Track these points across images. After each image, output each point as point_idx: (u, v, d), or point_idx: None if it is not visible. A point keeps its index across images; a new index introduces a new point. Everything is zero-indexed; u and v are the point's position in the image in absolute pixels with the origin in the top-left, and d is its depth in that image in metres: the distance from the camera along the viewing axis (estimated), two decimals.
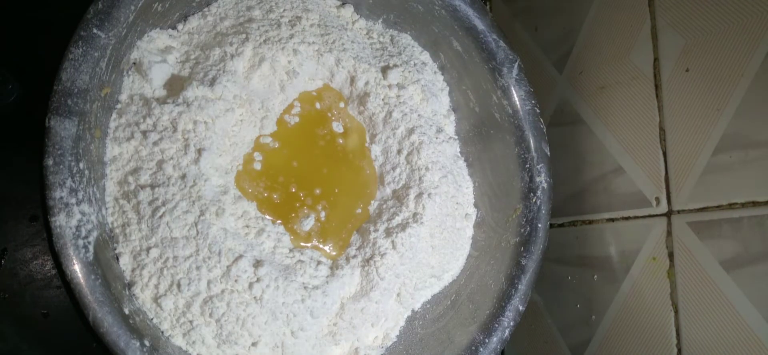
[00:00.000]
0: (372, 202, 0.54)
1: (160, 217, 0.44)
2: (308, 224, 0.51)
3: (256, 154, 0.50)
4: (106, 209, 0.44)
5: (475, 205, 0.57)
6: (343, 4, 0.55)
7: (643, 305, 0.53)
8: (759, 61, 0.44)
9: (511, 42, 0.54)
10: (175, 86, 0.47)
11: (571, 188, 0.61)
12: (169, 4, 0.47)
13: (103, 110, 0.45)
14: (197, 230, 0.45)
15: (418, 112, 0.55)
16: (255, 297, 0.46)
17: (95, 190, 0.43)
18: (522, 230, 0.54)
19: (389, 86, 0.54)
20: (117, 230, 0.44)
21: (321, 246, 0.51)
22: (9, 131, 0.53)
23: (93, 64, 0.41)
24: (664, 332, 0.51)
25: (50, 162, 0.39)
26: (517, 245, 0.54)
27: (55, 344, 0.53)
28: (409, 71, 0.55)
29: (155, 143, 0.45)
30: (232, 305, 0.45)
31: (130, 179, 0.45)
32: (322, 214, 0.52)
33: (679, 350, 0.50)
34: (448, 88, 0.58)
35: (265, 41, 0.50)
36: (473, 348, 0.51)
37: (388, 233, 0.52)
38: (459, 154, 0.57)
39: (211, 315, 0.44)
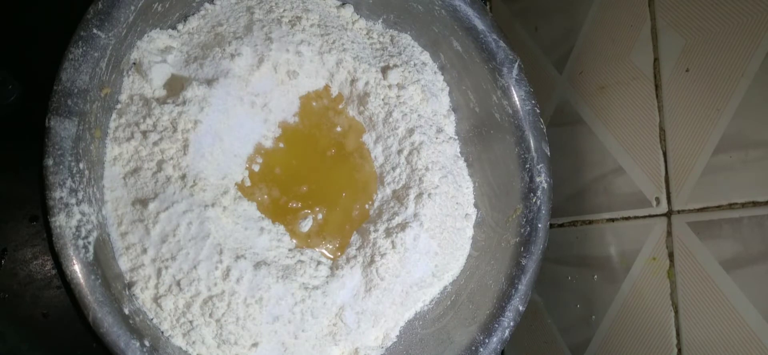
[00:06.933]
0: (372, 202, 0.54)
1: (160, 217, 0.44)
2: (307, 224, 0.51)
3: (256, 155, 0.50)
4: (106, 209, 0.44)
5: (475, 205, 0.57)
6: (343, 4, 0.55)
7: (643, 305, 0.53)
8: (759, 61, 0.44)
9: (511, 42, 0.54)
10: (175, 86, 0.47)
11: (571, 188, 0.61)
12: (169, 4, 0.47)
13: (103, 110, 0.45)
14: (197, 230, 0.45)
15: (418, 113, 0.55)
16: (255, 297, 0.46)
17: (95, 190, 0.43)
18: (522, 230, 0.54)
19: (389, 86, 0.54)
20: (117, 231, 0.44)
21: (321, 246, 0.51)
22: (9, 131, 0.53)
23: (93, 64, 0.41)
24: (664, 332, 0.51)
25: (50, 162, 0.39)
26: (517, 245, 0.54)
27: (55, 344, 0.53)
28: (409, 71, 0.55)
29: (155, 143, 0.45)
30: (232, 305, 0.45)
31: (130, 179, 0.45)
32: (322, 214, 0.52)
33: (679, 350, 0.50)
34: (448, 89, 0.58)
35: (265, 41, 0.50)
36: (473, 348, 0.51)
37: (388, 233, 0.52)
38: (459, 154, 0.57)
39: (211, 315, 0.44)
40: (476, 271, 0.56)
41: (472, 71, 0.55)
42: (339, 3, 0.55)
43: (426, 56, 0.57)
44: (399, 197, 0.54)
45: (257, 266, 0.46)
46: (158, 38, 0.48)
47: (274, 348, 0.47)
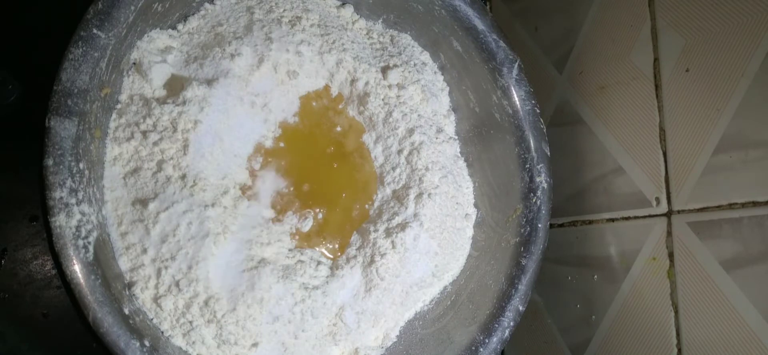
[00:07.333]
0: (372, 202, 0.54)
1: (160, 217, 0.44)
2: (307, 224, 0.51)
3: (256, 155, 0.50)
4: (106, 209, 0.44)
5: (475, 205, 0.57)
6: (343, 4, 0.55)
7: (643, 305, 0.53)
8: (759, 61, 0.44)
9: (511, 42, 0.54)
10: (175, 86, 0.47)
11: (571, 188, 0.61)
12: (169, 4, 0.47)
13: (103, 110, 0.45)
14: (197, 230, 0.45)
15: (418, 113, 0.55)
16: (255, 298, 0.46)
17: (95, 190, 0.43)
18: (522, 230, 0.54)
19: (389, 86, 0.54)
20: (117, 231, 0.44)
21: (321, 246, 0.51)
22: (9, 131, 0.53)
23: (93, 64, 0.41)
24: (664, 332, 0.51)
25: (50, 162, 0.39)
26: (517, 245, 0.54)
27: (55, 344, 0.53)
28: (409, 71, 0.55)
29: (155, 143, 0.45)
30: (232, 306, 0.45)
31: (130, 179, 0.45)
32: (322, 214, 0.52)
33: (679, 350, 0.50)
34: (448, 89, 0.58)
35: (265, 41, 0.50)
36: (473, 348, 0.51)
37: (388, 233, 0.52)
38: (459, 154, 0.57)
39: (211, 316, 0.44)
40: (476, 271, 0.56)
41: (472, 71, 0.55)
42: (339, 3, 0.55)
43: (426, 56, 0.57)
44: (399, 197, 0.54)
45: (257, 265, 0.46)
46: (158, 38, 0.48)
47: (274, 348, 0.47)
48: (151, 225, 0.44)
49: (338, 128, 0.54)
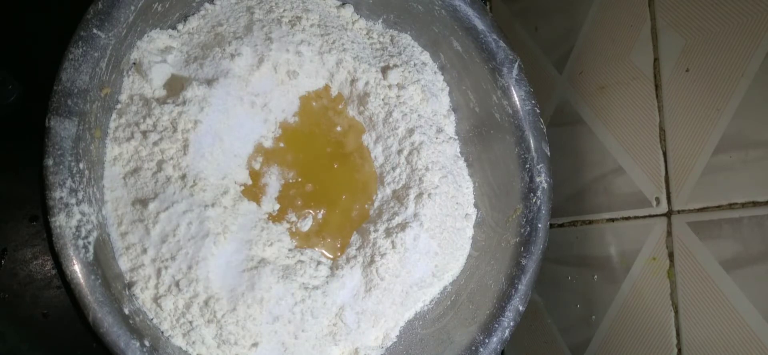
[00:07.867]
0: (372, 202, 0.54)
1: (160, 217, 0.44)
2: (307, 224, 0.51)
3: (256, 155, 0.50)
4: (106, 209, 0.44)
5: (475, 205, 0.57)
6: (343, 4, 0.55)
7: (643, 305, 0.53)
8: (759, 61, 0.44)
9: (511, 42, 0.54)
10: (175, 86, 0.47)
11: (571, 188, 0.61)
12: (169, 4, 0.47)
13: (103, 110, 0.45)
14: (197, 230, 0.45)
15: (418, 113, 0.55)
16: (255, 298, 0.46)
17: (95, 190, 0.43)
18: (522, 230, 0.54)
19: (389, 86, 0.54)
20: (117, 231, 0.44)
21: (321, 246, 0.51)
22: (9, 131, 0.53)
23: (93, 64, 0.41)
24: (664, 332, 0.51)
25: (50, 162, 0.39)
26: (517, 245, 0.54)
27: (55, 344, 0.53)
28: (409, 71, 0.55)
29: (155, 143, 0.45)
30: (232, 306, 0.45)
31: (130, 179, 0.45)
32: (322, 214, 0.52)
33: (679, 350, 0.50)
34: (448, 89, 0.58)
35: (265, 41, 0.50)
36: (473, 348, 0.51)
37: (388, 233, 0.52)
38: (459, 154, 0.57)
39: (211, 316, 0.44)
40: (476, 271, 0.56)
41: (472, 71, 0.55)
42: (339, 3, 0.55)
43: (426, 56, 0.57)
44: (399, 197, 0.54)
45: (257, 265, 0.46)
46: (158, 38, 0.48)
47: (274, 348, 0.47)
48: (151, 225, 0.44)
49: (338, 128, 0.54)
